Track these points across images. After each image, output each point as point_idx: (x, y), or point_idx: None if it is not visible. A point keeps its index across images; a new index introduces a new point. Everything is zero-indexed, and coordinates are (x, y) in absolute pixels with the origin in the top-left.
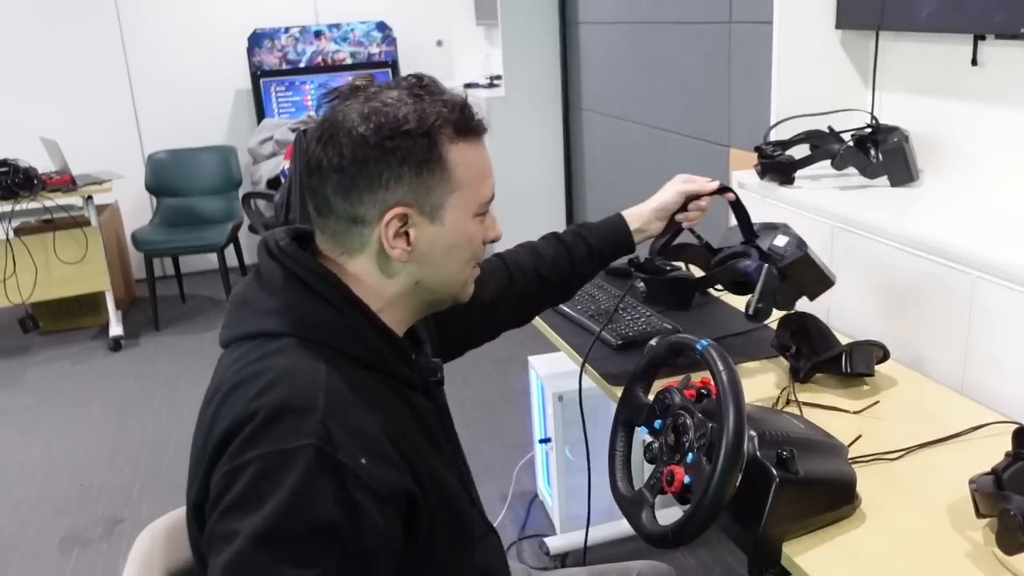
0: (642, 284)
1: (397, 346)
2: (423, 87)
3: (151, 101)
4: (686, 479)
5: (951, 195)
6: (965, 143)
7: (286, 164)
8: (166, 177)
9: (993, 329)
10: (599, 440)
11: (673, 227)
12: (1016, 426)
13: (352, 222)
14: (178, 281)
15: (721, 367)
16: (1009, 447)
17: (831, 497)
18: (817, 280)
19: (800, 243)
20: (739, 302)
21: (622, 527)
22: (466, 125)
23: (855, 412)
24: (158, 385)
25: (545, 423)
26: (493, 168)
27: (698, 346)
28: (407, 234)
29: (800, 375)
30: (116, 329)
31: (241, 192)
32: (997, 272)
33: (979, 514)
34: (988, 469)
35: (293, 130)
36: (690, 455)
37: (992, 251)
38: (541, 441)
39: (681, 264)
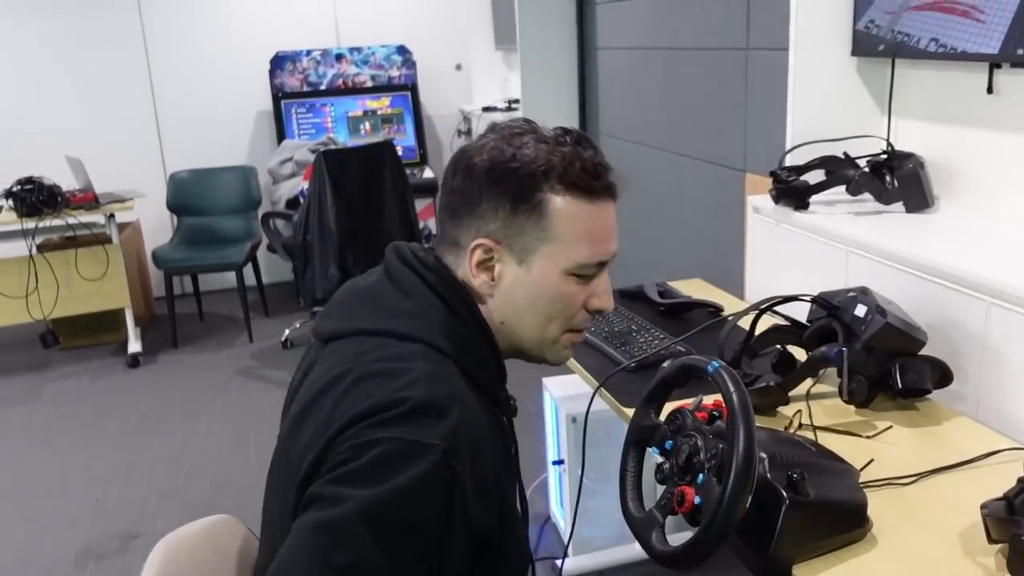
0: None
1: (502, 372)
2: (566, 136)
3: (174, 122)
4: (696, 500)
5: (966, 222)
6: (980, 170)
7: (305, 184)
8: (187, 196)
9: (1007, 355)
10: (612, 461)
11: None
12: None
13: (453, 244)
14: (197, 299)
15: (732, 388)
16: (1022, 472)
17: (841, 520)
18: (906, 343)
19: (879, 310)
20: None
21: (635, 551)
22: (580, 181)
23: (868, 437)
24: (175, 402)
25: (559, 445)
26: (614, 234)
27: (709, 367)
28: (493, 268)
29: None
30: (135, 346)
31: (260, 212)
32: (1011, 299)
33: (991, 539)
34: (1000, 495)
35: (313, 151)
36: (701, 476)
37: (1007, 277)
38: (554, 463)
39: (778, 347)
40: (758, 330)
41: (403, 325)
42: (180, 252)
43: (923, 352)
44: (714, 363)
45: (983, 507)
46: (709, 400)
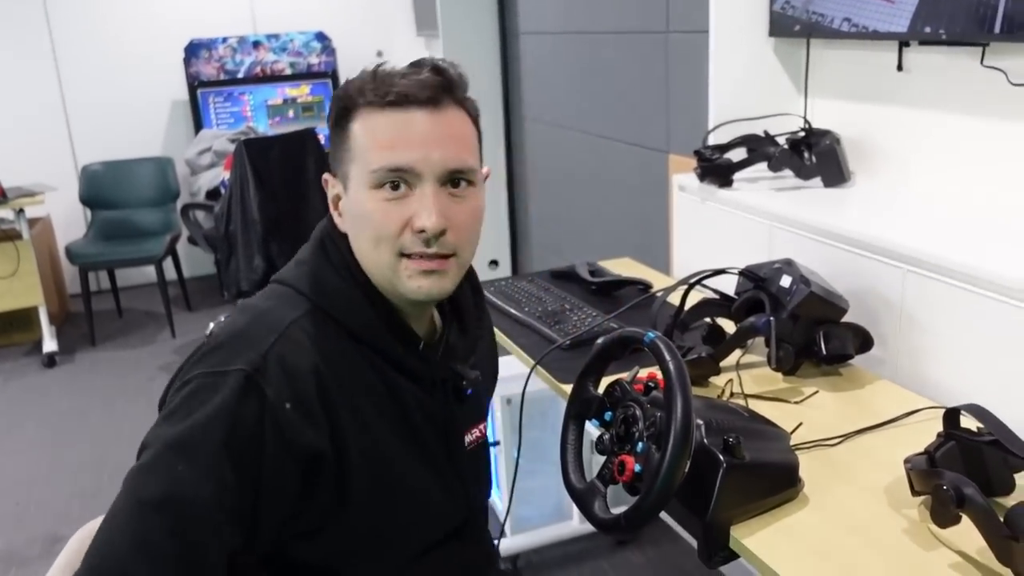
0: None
1: (391, 325)
2: (409, 64)
3: (84, 112)
4: (636, 467)
5: (880, 195)
6: (892, 145)
7: (226, 175)
8: (101, 189)
9: (922, 320)
10: (549, 442)
11: None
12: (944, 409)
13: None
14: (114, 295)
15: (668, 357)
16: (937, 430)
17: (776, 481)
18: (829, 311)
19: (803, 280)
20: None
21: (571, 528)
22: (372, 95)
23: (796, 402)
24: (95, 401)
25: (493, 426)
26: (419, 140)
27: (645, 338)
28: (339, 202)
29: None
30: (50, 345)
31: (179, 204)
32: (926, 266)
33: (914, 492)
34: (921, 450)
35: (232, 141)
36: (640, 444)
37: (921, 246)
38: (490, 444)
39: (707, 319)
40: (688, 304)
41: (285, 272)
42: (96, 247)
43: (845, 320)
44: (650, 334)
45: (906, 462)
46: (644, 373)
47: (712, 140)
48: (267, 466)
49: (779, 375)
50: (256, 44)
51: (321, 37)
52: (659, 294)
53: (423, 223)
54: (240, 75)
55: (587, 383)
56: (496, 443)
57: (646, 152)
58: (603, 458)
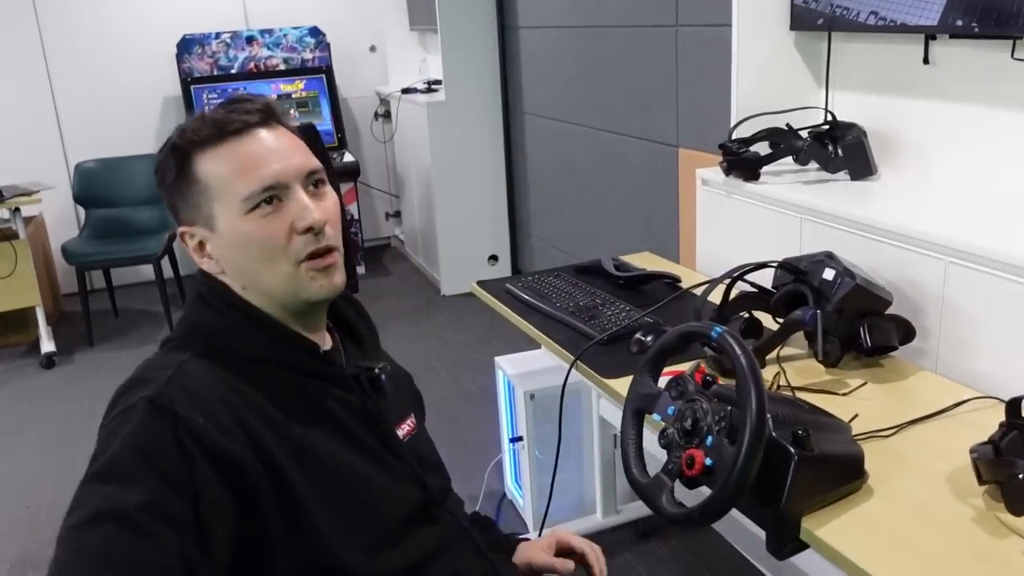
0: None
1: (285, 337)
2: (225, 102)
3: (75, 110)
4: (707, 461)
5: (910, 187)
6: (918, 137)
7: None
8: (95, 187)
9: (965, 311)
10: (568, 438)
11: None
12: (1000, 400)
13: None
14: (110, 294)
15: (739, 352)
16: (989, 420)
17: (843, 472)
18: (874, 303)
19: (848, 273)
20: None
21: (593, 523)
22: (202, 136)
23: (844, 394)
24: (99, 401)
25: (515, 422)
26: (273, 155)
27: (713, 333)
28: (205, 247)
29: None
30: (48, 346)
31: None
32: (968, 257)
33: (981, 481)
34: (975, 441)
35: None
36: (709, 438)
37: (963, 236)
38: (512, 440)
39: (744, 313)
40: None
41: (172, 331)
42: (92, 246)
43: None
44: (717, 328)
45: (972, 451)
46: (681, 367)
47: (735, 134)
48: (195, 476)
49: (821, 367)
50: (250, 39)
51: (315, 32)
52: (702, 289)
53: (308, 221)
54: (234, 71)
55: (648, 378)
56: (519, 439)
57: (655, 146)
58: (665, 450)
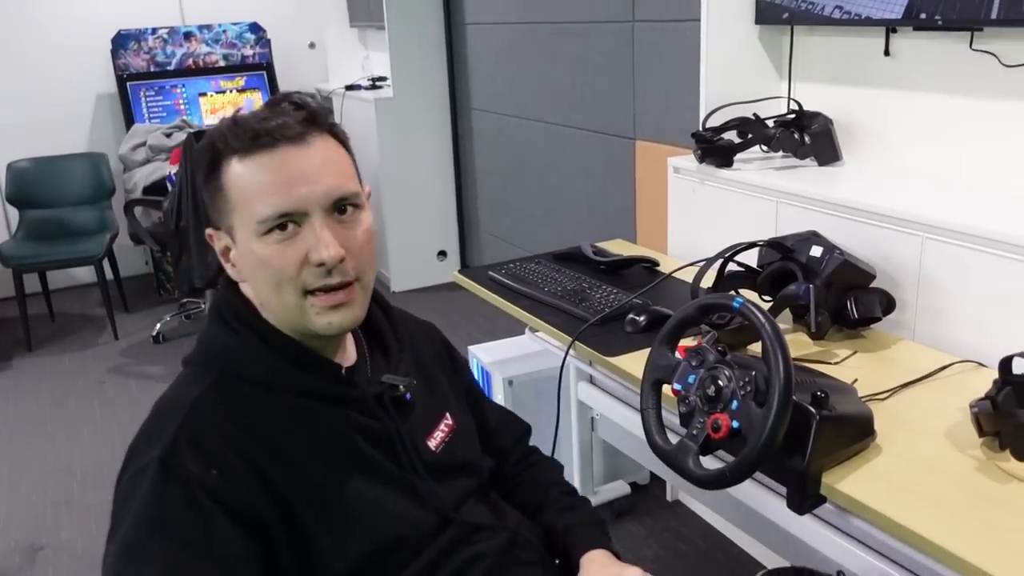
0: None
1: (302, 362)
2: (266, 104)
3: (4, 107)
4: (734, 424)
5: (875, 172)
6: (879, 126)
7: (173, 169)
8: (29, 187)
9: (941, 283)
10: (547, 422)
11: None
12: (979, 363)
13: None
14: (46, 298)
15: (763, 320)
16: (971, 381)
17: (858, 430)
18: (860, 278)
19: (835, 249)
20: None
21: None
22: (236, 143)
23: (836, 363)
24: (46, 407)
25: None
26: (299, 178)
27: (735, 303)
28: (230, 254)
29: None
30: None
31: (114, 201)
32: (944, 232)
33: (981, 433)
34: (964, 400)
35: (168, 135)
36: (735, 403)
37: (938, 214)
38: None
39: (733, 292)
40: (714, 278)
41: (189, 353)
42: (28, 248)
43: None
44: (738, 300)
45: (972, 406)
46: (691, 341)
47: (700, 124)
48: (214, 536)
49: (808, 340)
50: (188, 35)
51: (255, 28)
52: (697, 268)
53: (320, 256)
54: (171, 67)
55: (666, 350)
56: None
57: (612, 139)
58: (687, 417)
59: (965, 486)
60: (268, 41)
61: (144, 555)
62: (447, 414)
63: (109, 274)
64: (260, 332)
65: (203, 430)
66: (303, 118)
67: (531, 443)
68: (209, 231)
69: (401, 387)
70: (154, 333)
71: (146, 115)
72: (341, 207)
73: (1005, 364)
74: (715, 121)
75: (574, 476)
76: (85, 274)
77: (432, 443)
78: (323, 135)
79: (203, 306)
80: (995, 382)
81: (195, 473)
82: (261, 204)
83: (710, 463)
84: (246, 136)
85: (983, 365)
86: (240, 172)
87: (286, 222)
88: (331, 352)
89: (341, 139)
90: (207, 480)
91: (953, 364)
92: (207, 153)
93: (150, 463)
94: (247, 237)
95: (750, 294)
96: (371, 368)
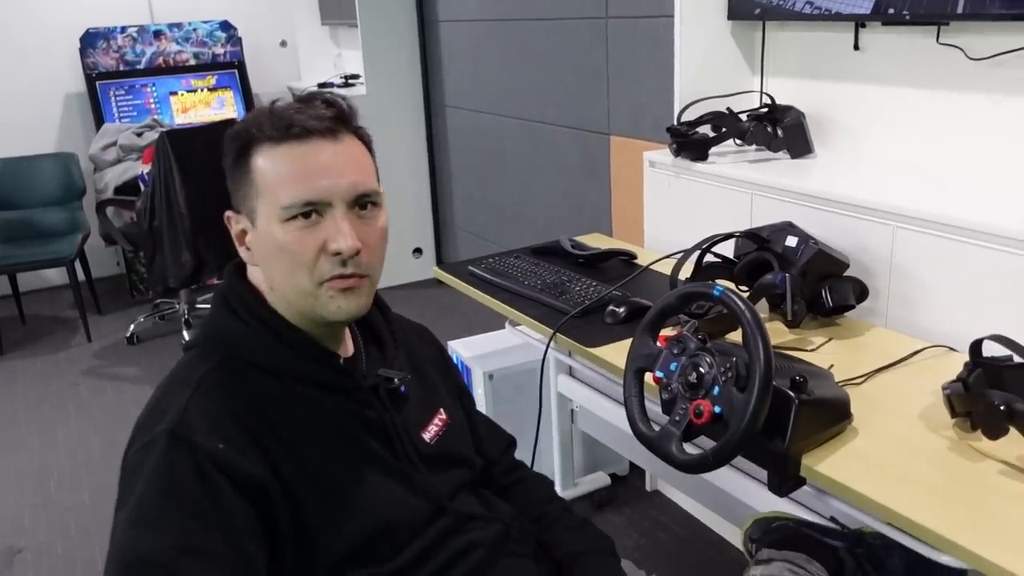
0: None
1: (304, 350)
2: (299, 99)
3: None
4: (716, 409)
5: (847, 164)
6: (849, 119)
7: (146, 168)
8: None
9: (911, 271)
10: (526, 415)
11: None
12: (949, 348)
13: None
14: (16, 300)
15: (743, 307)
16: (942, 365)
17: (835, 414)
18: (834, 266)
19: (809, 239)
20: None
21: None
22: (269, 130)
23: (812, 350)
24: (20, 410)
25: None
26: (325, 171)
27: (715, 291)
28: (246, 237)
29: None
30: None
31: (86, 201)
32: (914, 222)
33: (953, 414)
34: (935, 383)
35: (139, 134)
36: (716, 389)
37: (909, 203)
38: None
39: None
40: (692, 269)
41: (192, 337)
42: None
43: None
44: (718, 288)
45: (944, 388)
46: (671, 331)
47: (674, 119)
48: (222, 506)
49: (784, 328)
50: (157, 34)
51: (226, 27)
52: (676, 260)
53: (339, 246)
54: (141, 66)
55: (648, 339)
56: None
57: (586, 135)
58: (669, 404)
59: (939, 465)
60: (239, 39)
61: (156, 523)
62: (441, 409)
63: (81, 275)
64: (264, 319)
65: (210, 404)
66: (334, 115)
67: (513, 438)
68: (229, 213)
69: (396, 380)
70: (128, 334)
71: (116, 114)
72: (362, 203)
73: (975, 347)
74: (689, 116)
75: (554, 468)
76: (56, 276)
77: (427, 435)
78: (350, 134)
79: (177, 307)
80: (966, 364)
81: (203, 445)
82: (288, 191)
83: (692, 450)
84: (281, 124)
85: (953, 350)
86: (270, 158)
87: (310, 211)
88: (331, 343)
89: (366, 141)
90: (214, 452)
91: (925, 349)
92: (241, 136)
93: (159, 436)
94: (269, 221)
95: (728, 284)
96: (367, 362)
